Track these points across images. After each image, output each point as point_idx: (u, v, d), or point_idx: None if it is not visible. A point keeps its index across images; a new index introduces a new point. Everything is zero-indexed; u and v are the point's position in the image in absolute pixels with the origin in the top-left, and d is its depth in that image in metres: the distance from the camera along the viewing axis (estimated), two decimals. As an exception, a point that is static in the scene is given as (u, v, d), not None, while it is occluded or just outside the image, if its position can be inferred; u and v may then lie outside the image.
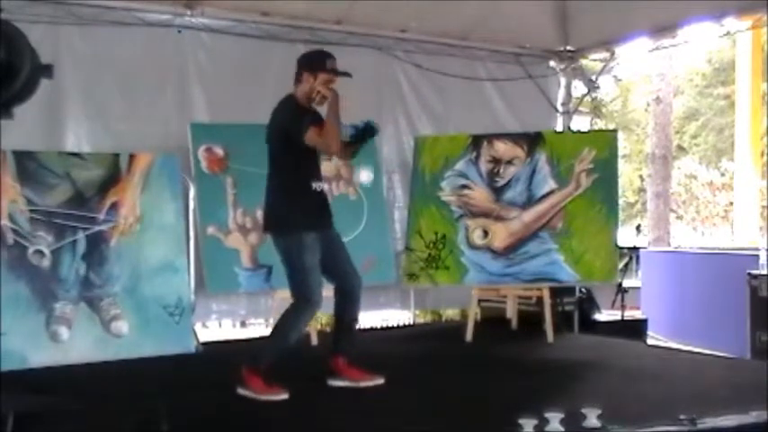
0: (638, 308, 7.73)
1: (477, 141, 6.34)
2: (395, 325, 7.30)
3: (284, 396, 4.16)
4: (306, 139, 4.25)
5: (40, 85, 3.03)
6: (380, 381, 4.47)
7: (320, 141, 4.27)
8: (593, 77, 8.49)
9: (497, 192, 6.23)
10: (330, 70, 4.38)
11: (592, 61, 8.34)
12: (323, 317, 6.98)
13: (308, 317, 4.43)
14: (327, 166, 6.01)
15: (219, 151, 5.96)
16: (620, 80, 21.26)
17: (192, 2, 6.06)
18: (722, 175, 20.40)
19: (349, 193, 6.26)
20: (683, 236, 19.04)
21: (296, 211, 4.34)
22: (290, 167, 4.34)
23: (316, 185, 4.42)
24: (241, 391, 4.21)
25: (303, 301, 4.34)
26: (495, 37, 7.38)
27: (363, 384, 4.44)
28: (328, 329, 7.34)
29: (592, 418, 3.29)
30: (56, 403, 4.07)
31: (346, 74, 4.42)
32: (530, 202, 6.16)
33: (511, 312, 6.61)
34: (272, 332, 4.50)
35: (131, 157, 5.63)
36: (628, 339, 6.34)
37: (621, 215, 11.78)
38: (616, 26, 7.16)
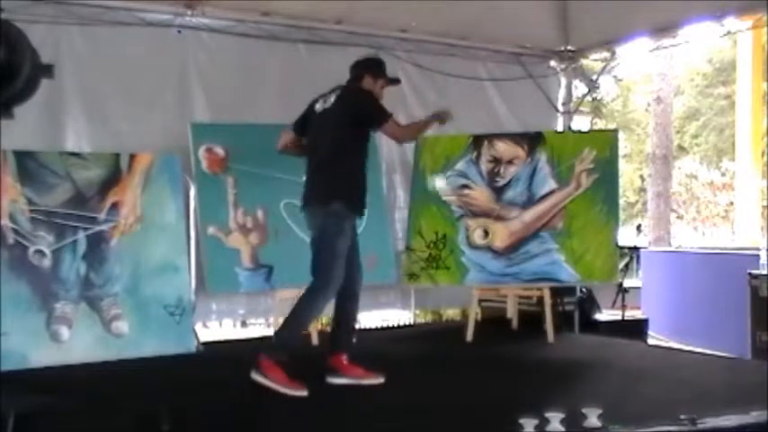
0: (638, 308, 7.73)
1: (477, 141, 6.34)
2: (395, 325, 7.30)
3: (304, 393, 4.15)
4: (388, 124, 4.54)
5: (41, 84, 3.03)
6: (381, 380, 4.48)
7: (399, 129, 4.69)
8: (594, 77, 8.49)
9: (498, 191, 6.22)
10: (389, 79, 4.79)
11: (592, 61, 8.34)
12: (323, 317, 6.98)
13: (325, 302, 4.46)
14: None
15: (220, 151, 5.95)
16: (620, 80, 21.25)
17: (193, 2, 6.05)
18: (723, 174, 20.41)
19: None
20: (683, 236, 19.05)
21: (355, 188, 4.55)
22: (359, 151, 4.54)
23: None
24: (257, 377, 4.18)
25: (324, 283, 4.39)
26: (496, 37, 7.38)
27: (365, 382, 4.44)
28: (329, 329, 7.37)
29: (592, 417, 3.29)
30: (56, 403, 4.07)
31: (398, 81, 4.95)
32: (530, 201, 6.16)
33: (511, 312, 6.61)
34: (288, 317, 4.47)
35: (132, 156, 5.63)
36: (628, 339, 6.34)
37: (622, 215, 11.77)
38: (616, 26, 7.16)
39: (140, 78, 6.02)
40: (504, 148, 6.29)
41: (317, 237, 4.48)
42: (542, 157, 6.20)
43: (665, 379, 4.78)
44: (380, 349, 5.71)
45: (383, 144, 6.88)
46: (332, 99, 4.59)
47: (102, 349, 5.23)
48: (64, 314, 5.19)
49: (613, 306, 7.16)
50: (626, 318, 6.94)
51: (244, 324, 8.24)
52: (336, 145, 4.52)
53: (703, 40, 9.26)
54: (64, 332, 5.17)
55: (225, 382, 4.53)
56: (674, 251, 10.46)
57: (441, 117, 4.94)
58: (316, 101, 4.71)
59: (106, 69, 5.91)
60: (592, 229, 6.03)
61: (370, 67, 4.72)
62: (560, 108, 7.91)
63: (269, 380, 4.18)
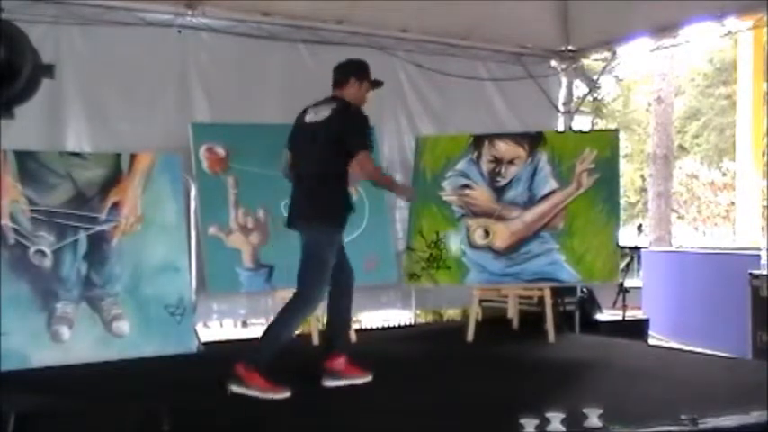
0: (639, 308, 7.73)
1: (478, 141, 6.34)
2: (396, 325, 7.30)
3: (287, 394, 4.16)
4: (360, 155, 4.39)
5: (42, 85, 3.03)
6: (369, 377, 4.51)
7: (372, 166, 4.53)
8: (595, 77, 8.49)
9: (499, 192, 6.22)
10: (373, 82, 4.68)
11: (593, 61, 8.36)
12: (324, 316, 6.97)
13: (308, 313, 4.51)
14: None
15: (221, 151, 5.95)
16: (621, 80, 21.28)
17: (193, 2, 6.06)
18: (723, 174, 20.41)
19: (350, 193, 6.24)
20: (684, 236, 19.06)
21: (339, 208, 4.52)
22: (343, 169, 4.47)
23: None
24: (238, 389, 4.19)
25: (309, 295, 4.41)
26: (497, 37, 7.38)
27: (358, 381, 4.46)
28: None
29: (593, 417, 3.29)
30: (56, 403, 4.07)
31: (381, 83, 4.73)
32: (531, 201, 6.16)
33: (512, 312, 6.62)
34: (268, 328, 4.50)
35: (132, 156, 5.63)
36: (629, 339, 6.34)
37: (623, 215, 11.78)
38: (617, 26, 7.16)
39: (140, 78, 6.02)
40: (504, 148, 6.28)
41: (308, 251, 4.48)
42: (543, 157, 6.20)
43: (665, 379, 4.77)
44: (381, 349, 5.71)
45: (383, 143, 6.89)
46: (324, 113, 4.50)
47: (103, 349, 5.23)
48: (65, 314, 5.20)
49: (614, 306, 7.16)
50: (627, 318, 6.94)
51: (244, 324, 8.24)
52: (325, 163, 4.48)
53: (704, 40, 9.26)
54: (64, 332, 5.18)
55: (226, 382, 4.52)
56: (674, 251, 10.45)
57: (408, 194, 5.12)
58: (305, 112, 4.64)
59: (106, 69, 5.91)
60: (592, 229, 6.03)
61: (356, 72, 4.63)
62: (561, 108, 7.90)
63: (251, 389, 4.18)
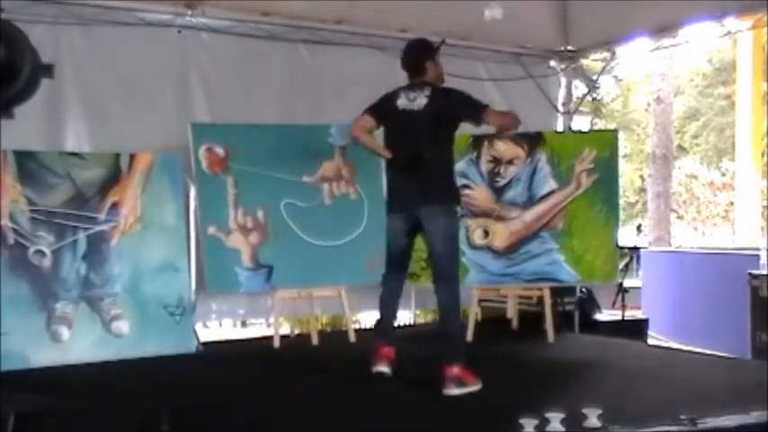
0: (638, 308, 7.73)
1: (477, 141, 6.33)
2: (395, 325, 7.28)
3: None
4: (486, 111, 4.48)
5: (41, 84, 3.03)
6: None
7: (501, 119, 4.53)
8: (594, 77, 8.48)
9: (498, 192, 6.22)
10: (438, 49, 4.72)
11: (592, 61, 8.35)
12: (323, 317, 6.98)
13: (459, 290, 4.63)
14: (328, 167, 6.02)
15: (220, 151, 5.95)
16: (620, 80, 21.28)
17: (193, 2, 6.05)
18: (723, 175, 20.43)
19: (350, 192, 6.25)
20: (683, 236, 19.07)
21: (457, 189, 4.65)
22: (452, 151, 4.56)
23: None
24: (456, 391, 4.22)
25: (456, 277, 4.58)
26: (496, 37, 7.37)
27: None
28: (329, 329, 7.36)
29: (592, 418, 3.29)
30: (56, 403, 4.07)
31: (443, 42, 4.81)
32: (530, 201, 6.16)
33: (511, 312, 6.61)
34: (445, 325, 4.60)
35: (132, 156, 5.63)
36: (628, 339, 6.34)
37: (622, 215, 11.78)
38: (617, 26, 7.16)
39: (140, 78, 6.02)
40: (504, 149, 6.28)
41: (442, 240, 4.46)
42: (542, 158, 6.20)
43: (665, 379, 4.78)
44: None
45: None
46: (421, 101, 4.48)
47: (103, 349, 5.23)
48: (64, 314, 5.20)
49: (613, 306, 7.16)
50: (626, 318, 6.94)
51: (244, 324, 8.24)
52: (438, 147, 4.48)
53: (703, 40, 9.26)
54: (64, 332, 5.18)
55: (225, 382, 4.53)
56: (674, 251, 10.46)
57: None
58: (396, 95, 4.58)
59: (106, 69, 5.91)
60: (592, 230, 6.03)
61: (427, 55, 4.65)
62: (560, 108, 7.90)
63: (468, 386, 4.27)
